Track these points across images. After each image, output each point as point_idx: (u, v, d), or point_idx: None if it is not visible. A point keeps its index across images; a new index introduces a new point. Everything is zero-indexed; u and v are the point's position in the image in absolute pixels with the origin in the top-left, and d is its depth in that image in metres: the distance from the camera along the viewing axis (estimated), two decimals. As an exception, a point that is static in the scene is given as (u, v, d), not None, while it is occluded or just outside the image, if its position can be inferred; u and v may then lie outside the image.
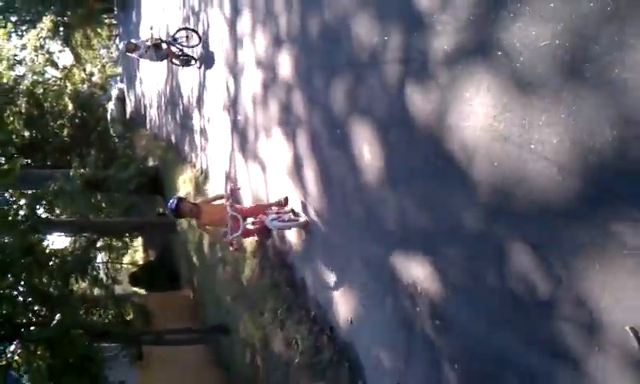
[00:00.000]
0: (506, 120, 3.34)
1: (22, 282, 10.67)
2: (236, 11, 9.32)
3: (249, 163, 9.02)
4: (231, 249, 7.12)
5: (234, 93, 9.70)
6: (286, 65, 7.11)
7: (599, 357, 2.85)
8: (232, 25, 9.58)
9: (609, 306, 2.79)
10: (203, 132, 12.90)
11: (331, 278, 6.20)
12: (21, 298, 10.65)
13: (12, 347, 9.58)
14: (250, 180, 8.98)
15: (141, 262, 24.53)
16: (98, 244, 17.69)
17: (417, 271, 4.45)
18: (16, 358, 9.78)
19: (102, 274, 18.75)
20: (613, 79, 2.69)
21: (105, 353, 12.45)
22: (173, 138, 17.70)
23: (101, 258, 20.81)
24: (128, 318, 15.62)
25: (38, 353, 9.75)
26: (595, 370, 2.88)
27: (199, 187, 13.32)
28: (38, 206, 13.86)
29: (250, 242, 9.17)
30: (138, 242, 26.93)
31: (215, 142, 11.47)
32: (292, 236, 7.34)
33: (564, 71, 2.96)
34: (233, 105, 9.86)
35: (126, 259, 26.42)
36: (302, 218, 6.68)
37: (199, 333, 13.13)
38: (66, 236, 18.42)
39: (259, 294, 8.49)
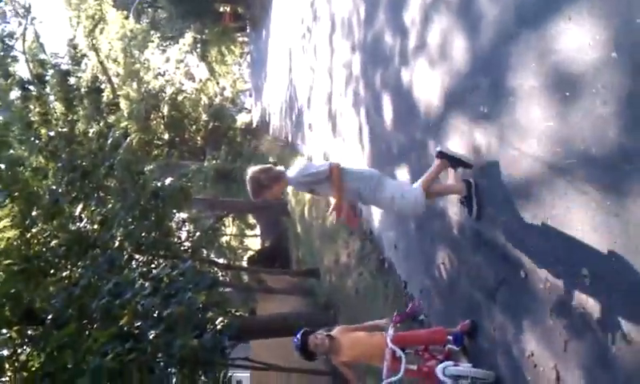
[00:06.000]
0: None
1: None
2: (332, 27, 13.85)
3: (336, 138, 13.34)
4: None
5: (330, 90, 14.16)
6: (356, 65, 11.40)
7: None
8: (330, 40, 14.12)
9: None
10: (310, 125, 17.51)
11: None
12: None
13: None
14: (333, 152, 13.31)
15: (258, 247, 29.91)
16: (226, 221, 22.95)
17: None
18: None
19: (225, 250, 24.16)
20: None
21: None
22: (289, 136, 22.61)
23: (224, 239, 26.28)
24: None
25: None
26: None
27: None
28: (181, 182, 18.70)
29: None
30: (256, 231, 32.57)
31: (317, 131, 16.00)
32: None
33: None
34: (329, 99, 14.30)
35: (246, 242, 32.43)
36: (489, 374, 5.26)
37: (296, 274, 17.68)
38: (198, 213, 23.84)
39: (334, 228, 12.75)
